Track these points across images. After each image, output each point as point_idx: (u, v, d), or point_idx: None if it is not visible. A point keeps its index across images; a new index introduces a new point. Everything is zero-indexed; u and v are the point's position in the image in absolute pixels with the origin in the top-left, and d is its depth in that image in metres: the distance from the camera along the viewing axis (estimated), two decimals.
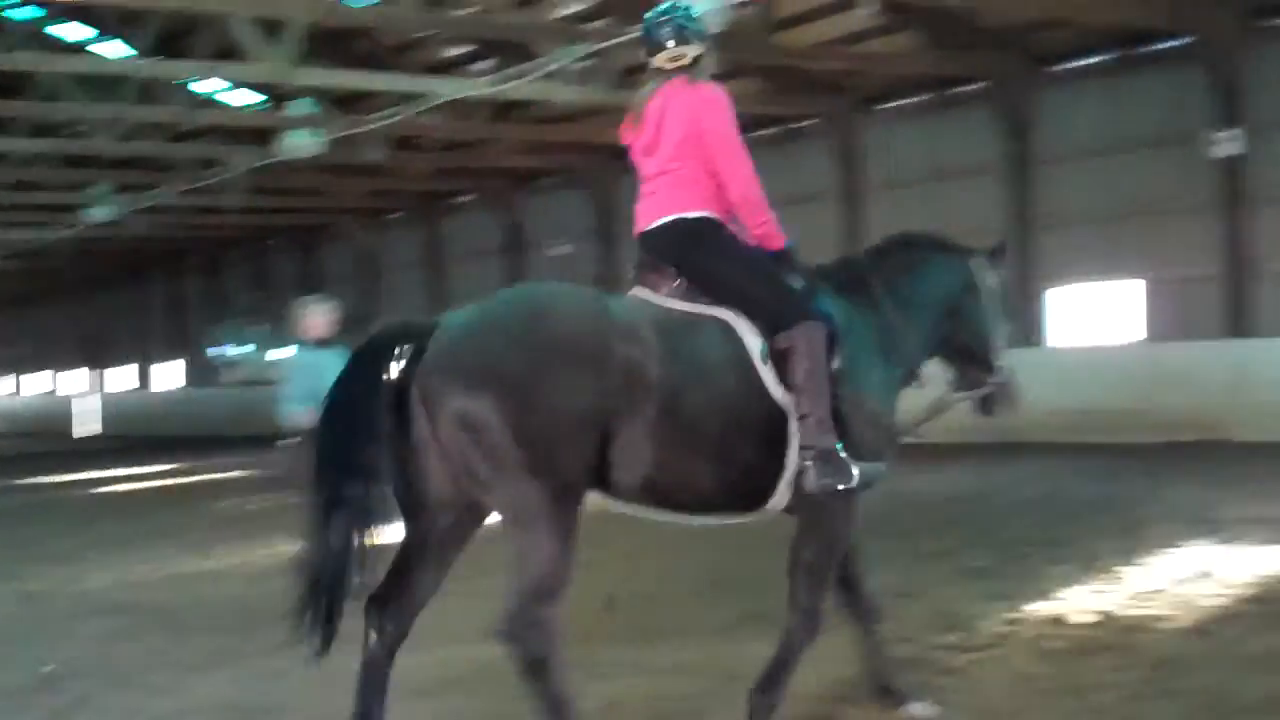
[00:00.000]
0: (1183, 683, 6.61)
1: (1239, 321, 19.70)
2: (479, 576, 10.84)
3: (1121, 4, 19.61)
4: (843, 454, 5.64)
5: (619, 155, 28.03)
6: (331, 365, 10.35)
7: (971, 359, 6.63)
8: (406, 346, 5.41)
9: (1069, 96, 22.04)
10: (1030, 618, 8.21)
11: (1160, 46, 20.92)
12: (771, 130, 26.23)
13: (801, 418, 5.64)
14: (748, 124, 25.80)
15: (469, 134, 28.82)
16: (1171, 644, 7.37)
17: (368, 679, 5.49)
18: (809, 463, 5.63)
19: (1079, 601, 8.52)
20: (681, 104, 5.92)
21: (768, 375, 5.70)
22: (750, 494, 5.80)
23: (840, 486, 5.62)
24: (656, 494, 5.61)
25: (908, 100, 24.75)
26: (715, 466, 5.62)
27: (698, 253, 5.88)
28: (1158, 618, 7.99)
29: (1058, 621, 8.07)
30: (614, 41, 19.32)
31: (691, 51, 6.00)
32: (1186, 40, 20.17)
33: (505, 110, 27.23)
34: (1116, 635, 7.63)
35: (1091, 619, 8.05)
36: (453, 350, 5.31)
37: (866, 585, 6.32)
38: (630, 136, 6.14)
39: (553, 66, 19.31)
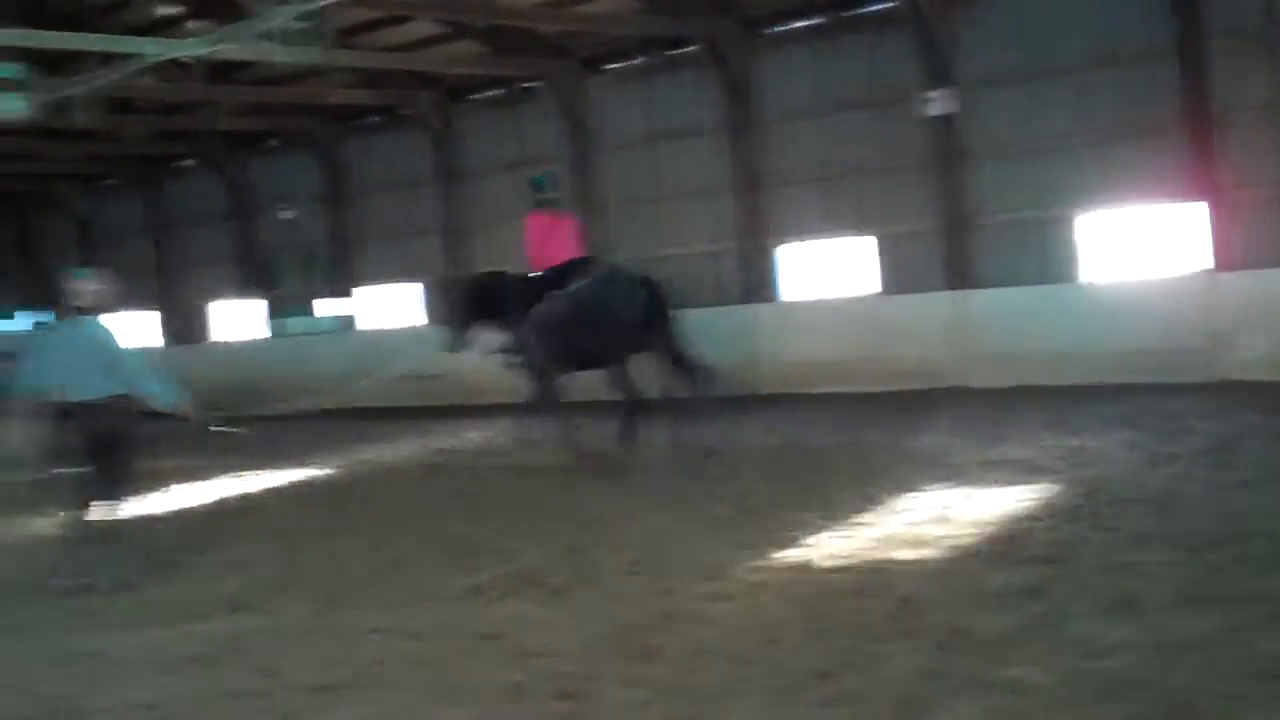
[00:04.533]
0: (923, 621, 6.91)
1: (959, 273, 20.42)
2: (228, 549, 10.58)
3: None
4: None
5: (343, 117, 27.23)
6: (81, 341, 9.66)
7: None
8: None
9: (784, 58, 22.47)
10: (777, 565, 8.45)
11: (869, 9, 21.50)
12: (498, 92, 26.18)
13: None
14: (473, 86, 25.20)
15: (185, 96, 27.86)
16: (912, 584, 7.68)
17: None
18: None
19: (823, 548, 8.79)
20: (569, 217, 14.24)
21: None
22: None
23: None
24: None
25: (630, 62, 24.90)
26: None
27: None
28: (898, 560, 8.31)
29: (804, 568, 8.34)
30: (328, 1, 18.80)
31: (557, 194, 14.17)
32: (893, 3, 20.73)
33: (223, 71, 26.38)
34: (860, 579, 7.92)
35: (835, 564, 8.33)
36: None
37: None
38: (550, 221, 13.76)
39: (265, 26, 18.66)
